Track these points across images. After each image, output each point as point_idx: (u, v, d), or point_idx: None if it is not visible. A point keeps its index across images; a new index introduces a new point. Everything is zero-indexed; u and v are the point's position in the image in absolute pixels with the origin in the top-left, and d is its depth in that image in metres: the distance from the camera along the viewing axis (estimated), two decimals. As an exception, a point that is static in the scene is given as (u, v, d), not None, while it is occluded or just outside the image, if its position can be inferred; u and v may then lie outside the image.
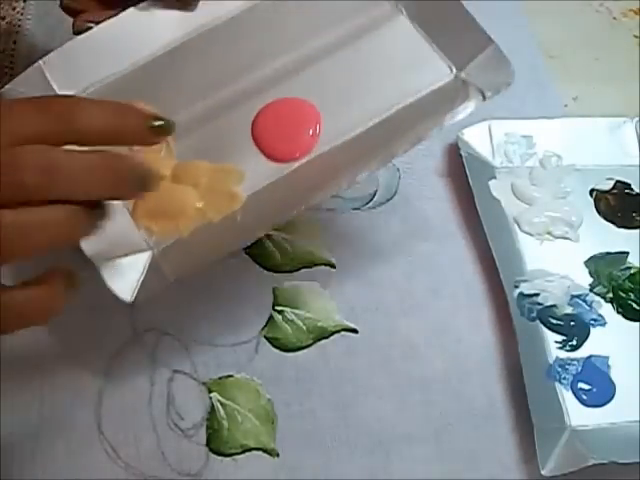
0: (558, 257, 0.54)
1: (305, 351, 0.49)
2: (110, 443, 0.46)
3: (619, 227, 0.56)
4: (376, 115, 0.45)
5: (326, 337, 0.50)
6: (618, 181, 0.58)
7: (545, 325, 0.51)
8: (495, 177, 0.57)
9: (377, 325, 0.51)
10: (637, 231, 0.56)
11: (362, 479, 0.46)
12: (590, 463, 0.44)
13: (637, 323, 0.52)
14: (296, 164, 0.44)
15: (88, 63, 0.46)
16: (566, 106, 0.62)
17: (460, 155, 0.56)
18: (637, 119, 0.60)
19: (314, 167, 0.44)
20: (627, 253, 0.55)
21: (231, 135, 0.45)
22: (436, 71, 0.46)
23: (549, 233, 0.55)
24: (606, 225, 0.56)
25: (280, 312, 0.51)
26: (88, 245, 0.39)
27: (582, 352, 0.50)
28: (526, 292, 0.52)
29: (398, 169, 0.57)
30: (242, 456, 0.46)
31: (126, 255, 0.41)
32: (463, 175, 0.55)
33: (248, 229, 0.42)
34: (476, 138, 0.57)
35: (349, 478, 0.46)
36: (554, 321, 0.51)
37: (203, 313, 0.50)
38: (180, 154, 0.44)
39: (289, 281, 0.52)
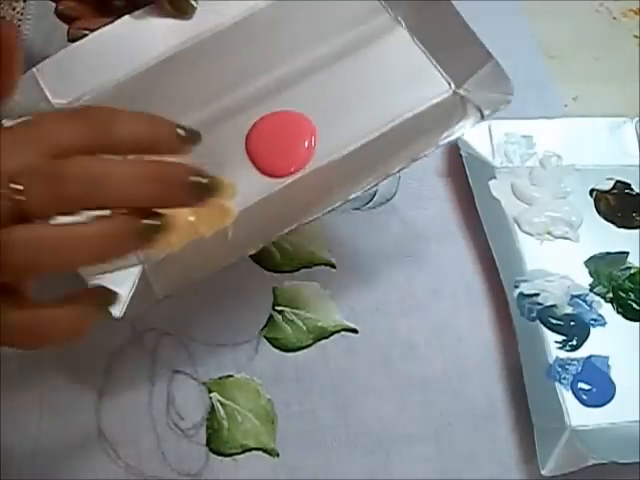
0: (558, 257, 0.54)
1: (305, 351, 0.49)
2: (110, 443, 0.46)
3: (619, 227, 0.56)
4: (372, 131, 0.44)
5: (326, 337, 0.50)
6: (618, 181, 0.58)
7: (545, 325, 0.51)
8: (495, 177, 0.57)
9: (377, 325, 0.51)
10: (637, 231, 0.56)
11: (362, 479, 0.46)
12: (590, 463, 0.44)
13: (637, 323, 0.52)
14: (290, 179, 0.44)
15: (82, 71, 0.46)
16: (566, 106, 0.62)
17: (460, 155, 0.56)
18: (637, 119, 0.60)
19: (307, 183, 0.43)
20: (627, 253, 0.55)
21: (225, 148, 0.44)
22: (434, 86, 0.45)
23: (549, 233, 0.55)
24: (606, 225, 0.56)
25: (280, 312, 0.51)
26: None
27: (582, 352, 0.50)
28: (526, 292, 0.52)
29: (398, 169, 0.57)
30: (242, 456, 0.46)
31: (116, 270, 0.41)
32: (463, 175, 0.55)
33: (239, 245, 0.41)
34: (476, 138, 0.57)
35: (349, 478, 0.46)
36: (554, 321, 0.51)
37: (203, 313, 0.50)
38: None
39: (289, 281, 0.52)
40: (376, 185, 0.42)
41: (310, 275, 0.52)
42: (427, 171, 0.57)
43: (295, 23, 0.47)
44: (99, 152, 0.33)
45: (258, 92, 0.46)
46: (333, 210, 0.42)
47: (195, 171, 0.33)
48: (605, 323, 0.52)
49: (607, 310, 0.52)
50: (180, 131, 0.35)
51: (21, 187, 0.31)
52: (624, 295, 0.53)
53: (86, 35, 0.46)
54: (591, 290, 0.53)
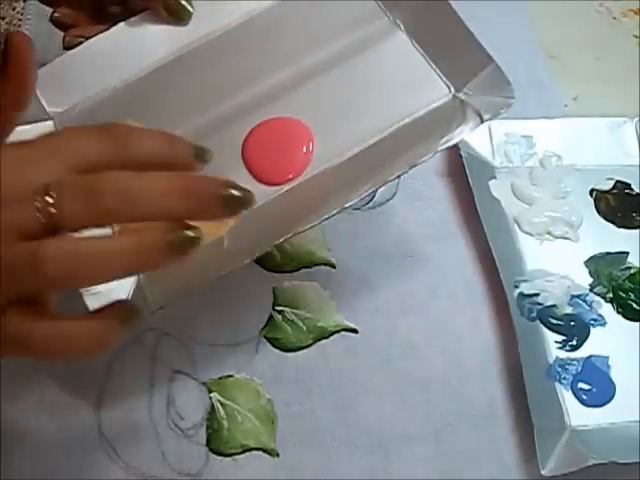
0: (558, 257, 0.54)
1: (305, 351, 0.49)
2: (110, 443, 0.46)
3: (619, 227, 0.56)
4: (370, 137, 0.44)
5: (326, 337, 0.50)
6: (618, 181, 0.58)
7: (545, 325, 0.51)
8: (495, 177, 0.57)
9: (377, 325, 0.51)
10: (637, 231, 0.56)
11: (362, 479, 0.46)
12: (590, 463, 0.44)
13: (637, 323, 0.52)
14: (286, 187, 0.43)
15: (77, 79, 0.45)
16: (566, 106, 0.62)
17: (460, 155, 0.56)
18: (637, 119, 0.60)
19: (304, 191, 0.43)
20: (627, 253, 0.55)
21: (221, 156, 0.42)
22: (434, 91, 0.45)
23: (549, 233, 0.55)
24: (606, 225, 0.56)
25: (280, 312, 0.51)
26: None
27: (582, 352, 0.50)
28: (526, 292, 0.52)
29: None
30: (242, 456, 0.46)
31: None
32: (463, 175, 0.55)
33: (234, 255, 0.41)
34: (476, 138, 0.57)
35: (349, 478, 0.46)
36: (554, 321, 0.51)
37: (203, 313, 0.50)
38: None
39: (289, 281, 0.52)
40: (374, 192, 0.42)
41: (310, 275, 0.52)
42: (427, 171, 0.57)
43: (293, 28, 0.47)
44: (121, 168, 0.34)
45: (255, 98, 0.45)
46: (330, 218, 0.41)
47: (228, 184, 0.34)
48: (605, 323, 0.52)
49: (607, 310, 0.52)
50: (196, 149, 0.36)
51: (52, 200, 0.31)
52: (624, 295, 0.53)
53: (82, 43, 0.46)
54: (591, 290, 0.53)
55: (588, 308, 0.52)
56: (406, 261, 0.53)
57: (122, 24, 0.46)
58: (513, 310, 0.50)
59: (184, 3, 0.45)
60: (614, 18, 0.69)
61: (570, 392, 0.48)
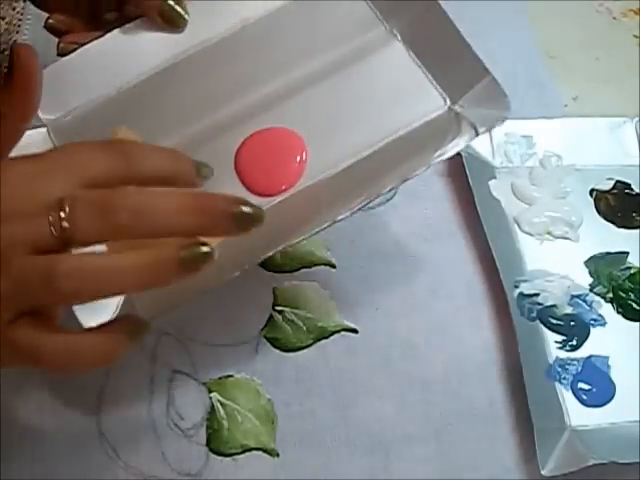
0: (558, 257, 0.54)
1: (305, 351, 0.49)
2: (110, 443, 0.46)
3: (619, 227, 0.56)
4: (364, 148, 0.44)
5: (326, 337, 0.50)
6: (618, 181, 0.58)
7: (545, 325, 0.51)
8: (495, 177, 0.57)
9: (377, 325, 0.51)
10: (637, 231, 0.56)
11: (362, 479, 0.46)
12: (590, 463, 0.44)
13: (637, 323, 0.52)
14: (278, 199, 0.43)
15: (71, 86, 0.45)
16: (566, 106, 0.62)
17: (460, 155, 0.56)
18: (637, 119, 0.60)
19: (296, 203, 0.43)
20: (627, 253, 0.55)
21: (213, 166, 0.43)
22: (429, 102, 0.44)
23: (549, 233, 0.55)
24: (606, 225, 0.56)
25: (280, 312, 0.51)
26: None
27: (582, 352, 0.50)
28: (526, 292, 0.52)
29: (398, 169, 0.57)
30: (242, 456, 0.46)
31: None
32: (463, 175, 0.55)
33: (225, 267, 0.40)
34: (476, 138, 0.57)
35: (349, 478, 0.46)
36: (554, 321, 0.51)
37: (203, 313, 0.50)
38: None
39: (289, 281, 0.52)
40: (366, 205, 0.41)
41: (310, 275, 0.52)
42: (427, 171, 0.57)
43: (288, 36, 0.46)
44: (128, 183, 0.34)
45: (248, 108, 0.45)
46: (321, 231, 0.41)
47: (239, 201, 0.34)
48: (605, 323, 0.52)
49: (607, 310, 0.52)
50: (199, 166, 0.37)
51: (65, 214, 0.32)
52: (624, 295, 0.53)
53: (76, 49, 0.45)
54: (591, 290, 0.53)
55: (588, 308, 0.52)
56: (406, 261, 0.53)
57: (117, 31, 0.46)
58: (513, 310, 0.50)
59: (180, 10, 0.45)
60: (614, 18, 0.69)
61: (570, 392, 0.48)
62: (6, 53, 0.61)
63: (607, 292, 0.53)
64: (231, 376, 0.48)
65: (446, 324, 0.51)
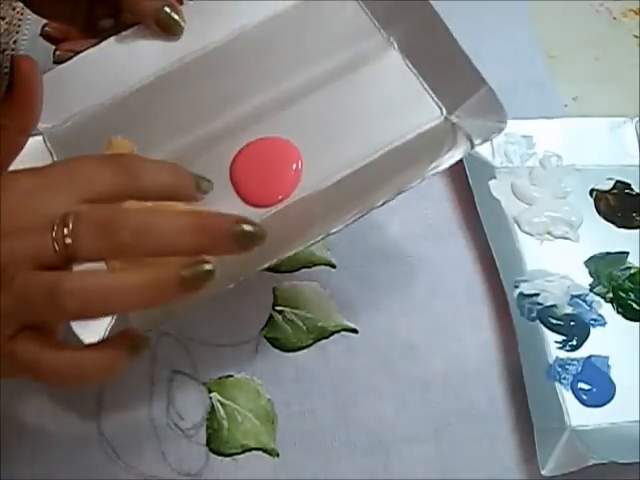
0: (558, 257, 0.54)
1: (305, 351, 0.49)
2: (110, 443, 0.46)
3: (619, 227, 0.56)
4: (359, 160, 0.43)
5: (326, 337, 0.50)
6: (618, 181, 0.58)
7: (545, 325, 0.51)
8: (495, 177, 0.57)
9: (377, 325, 0.51)
10: (637, 231, 0.56)
11: (362, 479, 0.46)
12: (590, 463, 0.44)
13: (637, 323, 0.52)
14: (273, 210, 0.43)
15: (67, 94, 0.45)
16: (566, 106, 0.62)
17: (460, 155, 0.56)
18: (637, 119, 0.60)
19: (290, 214, 0.42)
20: (627, 253, 0.55)
21: (208, 176, 0.42)
22: (425, 112, 0.44)
23: (549, 233, 0.55)
24: (606, 225, 0.56)
25: (280, 312, 0.51)
26: None
27: (582, 352, 0.50)
28: (526, 292, 0.52)
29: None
30: (242, 456, 0.46)
31: None
32: (463, 175, 0.55)
33: (220, 279, 0.38)
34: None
35: (349, 478, 0.46)
36: (554, 321, 0.51)
37: (203, 313, 0.50)
38: None
39: (289, 281, 0.52)
40: (360, 218, 0.41)
41: (310, 275, 0.52)
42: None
43: (284, 44, 0.46)
44: (128, 198, 0.35)
45: (243, 117, 0.45)
46: (315, 243, 0.41)
47: (241, 220, 0.34)
48: (605, 323, 0.52)
49: (607, 310, 0.52)
50: (199, 180, 0.37)
51: (68, 231, 0.32)
52: (624, 295, 0.53)
53: (72, 57, 0.45)
54: (591, 290, 0.53)
55: (588, 308, 0.52)
56: (406, 261, 0.53)
57: (113, 38, 0.46)
58: (513, 310, 0.50)
59: (176, 17, 0.45)
60: (614, 18, 0.69)
61: (570, 392, 0.48)
62: (6, 53, 0.61)
63: (607, 292, 0.53)
64: (231, 376, 0.48)
65: (446, 324, 0.51)
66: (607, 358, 0.50)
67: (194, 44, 0.46)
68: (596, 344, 0.51)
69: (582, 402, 0.48)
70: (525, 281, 0.52)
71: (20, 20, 0.63)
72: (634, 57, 0.66)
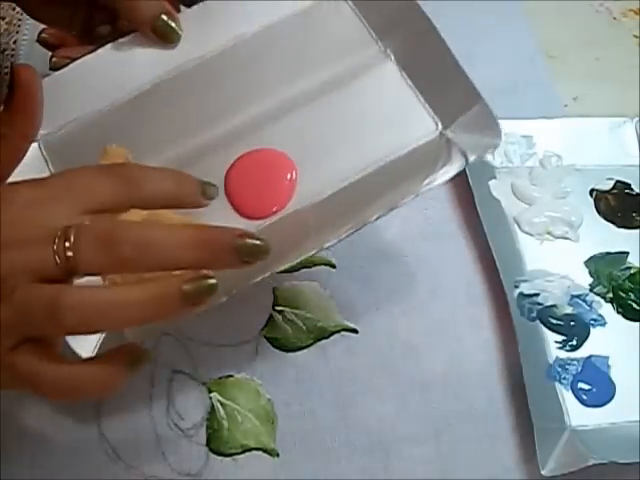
0: (558, 257, 0.54)
1: (305, 351, 0.49)
2: (110, 443, 0.46)
3: (619, 227, 0.56)
4: (354, 174, 0.43)
5: (326, 337, 0.50)
6: (618, 181, 0.58)
7: (545, 325, 0.51)
8: (495, 177, 0.57)
9: (377, 325, 0.51)
10: (637, 231, 0.56)
11: (362, 479, 0.46)
12: (590, 463, 0.44)
13: (637, 323, 0.52)
14: (266, 222, 0.42)
15: (63, 101, 0.44)
16: (566, 106, 0.62)
17: (460, 155, 0.56)
18: (637, 119, 0.60)
19: (284, 227, 0.42)
20: (627, 253, 0.55)
21: None
22: (421, 126, 0.44)
23: (549, 233, 0.55)
24: (606, 225, 0.56)
25: (280, 312, 0.51)
26: None
27: (582, 352, 0.50)
28: (526, 292, 0.52)
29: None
30: (242, 456, 0.46)
31: None
32: (463, 175, 0.55)
33: None
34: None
35: (349, 478, 0.46)
36: (554, 321, 0.51)
37: (203, 313, 0.50)
38: None
39: (289, 281, 0.52)
40: (353, 233, 0.41)
41: (310, 275, 0.52)
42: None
43: (281, 54, 0.46)
44: (130, 207, 0.35)
45: (238, 128, 0.44)
46: (309, 257, 0.40)
47: (243, 234, 0.34)
48: (605, 323, 0.52)
49: (607, 310, 0.52)
50: (204, 186, 0.37)
51: (69, 244, 0.32)
52: (624, 295, 0.53)
53: (68, 64, 0.45)
54: (591, 290, 0.53)
55: (588, 308, 0.52)
56: (406, 261, 0.53)
57: (109, 45, 0.45)
58: (513, 310, 0.50)
59: (173, 25, 0.45)
60: (614, 18, 0.69)
61: (570, 392, 0.48)
62: (6, 53, 0.61)
63: (607, 292, 0.53)
64: (231, 376, 0.48)
65: (446, 324, 0.51)
66: (607, 358, 0.50)
67: (191, 53, 0.46)
68: (596, 344, 0.51)
69: (582, 402, 0.48)
70: (525, 281, 0.52)
71: (20, 20, 0.63)
72: (634, 57, 0.66)
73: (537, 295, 0.52)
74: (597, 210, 0.56)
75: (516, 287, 0.52)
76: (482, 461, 0.47)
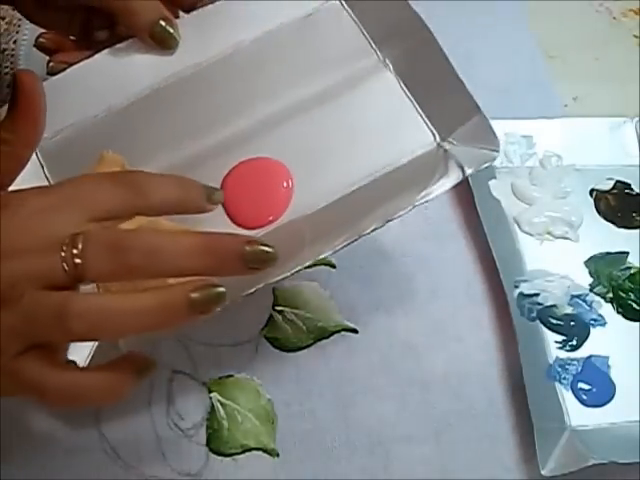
0: (558, 257, 0.54)
1: (305, 351, 0.49)
2: (110, 443, 0.46)
3: (619, 227, 0.56)
4: (350, 184, 0.43)
5: (326, 337, 0.50)
6: (618, 181, 0.58)
7: (545, 325, 0.51)
8: (495, 177, 0.57)
9: (377, 325, 0.51)
10: (637, 231, 0.56)
11: (362, 479, 0.46)
12: (590, 463, 0.44)
13: (637, 323, 0.52)
14: (262, 232, 0.42)
15: (60, 106, 0.44)
16: (566, 106, 0.62)
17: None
18: (637, 119, 0.60)
19: (279, 238, 0.41)
20: (627, 253, 0.55)
21: None
22: (418, 137, 0.43)
23: (549, 233, 0.55)
24: (606, 225, 0.56)
25: (280, 312, 0.51)
26: None
27: (582, 352, 0.50)
28: (526, 292, 0.52)
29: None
30: (242, 456, 0.46)
31: None
32: (463, 175, 0.55)
33: None
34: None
35: (349, 478, 0.46)
36: (554, 321, 0.51)
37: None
38: None
39: (289, 281, 0.52)
40: (348, 245, 0.40)
41: (310, 275, 0.52)
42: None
43: (279, 62, 0.46)
44: (135, 214, 0.35)
45: (234, 136, 0.44)
46: (303, 269, 0.40)
47: (251, 242, 0.34)
48: (605, 323, 0.52)
49: (607, 310, 0.52)
50: (209, 192, 0.37)
51: (77, 251, 0.32)
52: (624, 295, 0.53)
53: (66, 69, 0.45)
54: (591, 290, 0.53)
55: (588, 308, 0.52)
56: (406, 261, 0.53)
57: (107, 51, 0.45)
58: (513, 310, 0.50)
59: (171, 31, 0.44)
60: (614, 18, 0.69)
61: (570, 392, 0.48)
62: (6, 53, 0.61)
63: (607, 292, 0.53)
64: (231, 376, 0.48)
65: (446, 324, 0.51)
66: (607, 358, 0.50)
67: (189, 59, 0.46)
68: (596, 344, 0.51)
69: (582, 402, 0.48)
70: (525, 281, 0.52)
71: (20, 20, 0.63)
72: (634, 57, 0.66)
73: (537, 295, 0.52)
74: (597, 210, 0.56)
75: (516, 287, 0.52)
76: (482, 461, 0.47)
